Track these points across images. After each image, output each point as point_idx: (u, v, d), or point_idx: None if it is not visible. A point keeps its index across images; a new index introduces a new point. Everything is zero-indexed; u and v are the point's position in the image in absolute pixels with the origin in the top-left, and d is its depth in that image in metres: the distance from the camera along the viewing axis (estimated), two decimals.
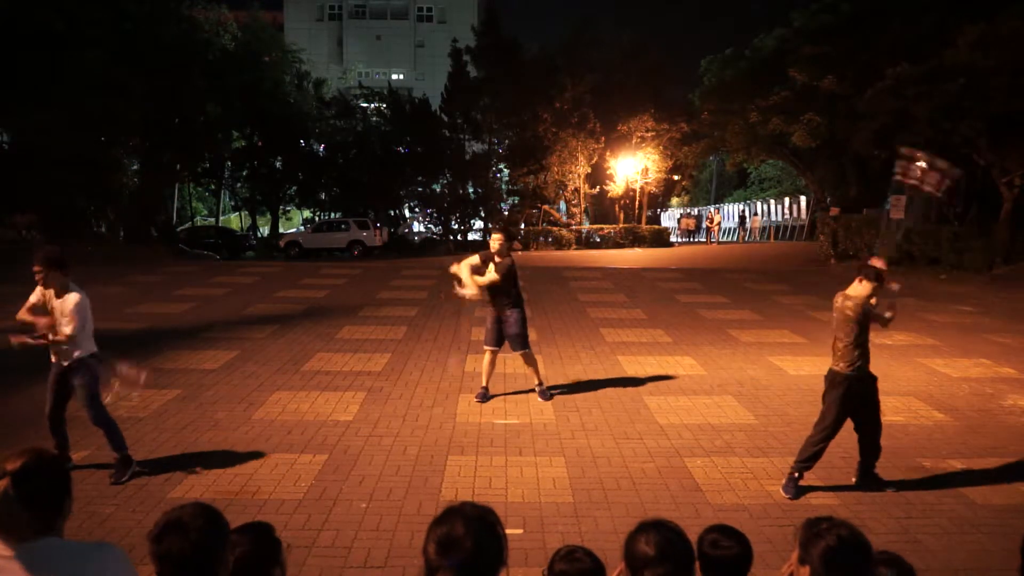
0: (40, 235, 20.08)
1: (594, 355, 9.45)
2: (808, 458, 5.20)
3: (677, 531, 2.02)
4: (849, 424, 5.26)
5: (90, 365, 5.35)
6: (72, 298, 5.17)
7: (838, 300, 5.19)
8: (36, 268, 5.19)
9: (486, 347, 7.30)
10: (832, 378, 5.20)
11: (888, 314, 5.29)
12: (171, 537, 1.82)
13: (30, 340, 5.18)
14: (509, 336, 7.20)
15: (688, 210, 46.86)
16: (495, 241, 7.12)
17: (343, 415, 6.88)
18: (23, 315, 5.30)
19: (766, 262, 23.60)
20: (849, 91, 23.35)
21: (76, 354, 5.27)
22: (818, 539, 1.99)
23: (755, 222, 41.33)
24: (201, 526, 1.86)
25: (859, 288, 5.11)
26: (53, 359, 5.36)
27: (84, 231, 24.84)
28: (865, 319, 5.07)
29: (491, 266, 7.08)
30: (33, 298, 5.32)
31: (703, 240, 35.92)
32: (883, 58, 20.60)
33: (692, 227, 36.53)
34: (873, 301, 5.10)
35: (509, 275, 7.05)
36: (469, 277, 7.03)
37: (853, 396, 5.13)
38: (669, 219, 50.59)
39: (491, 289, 7.08)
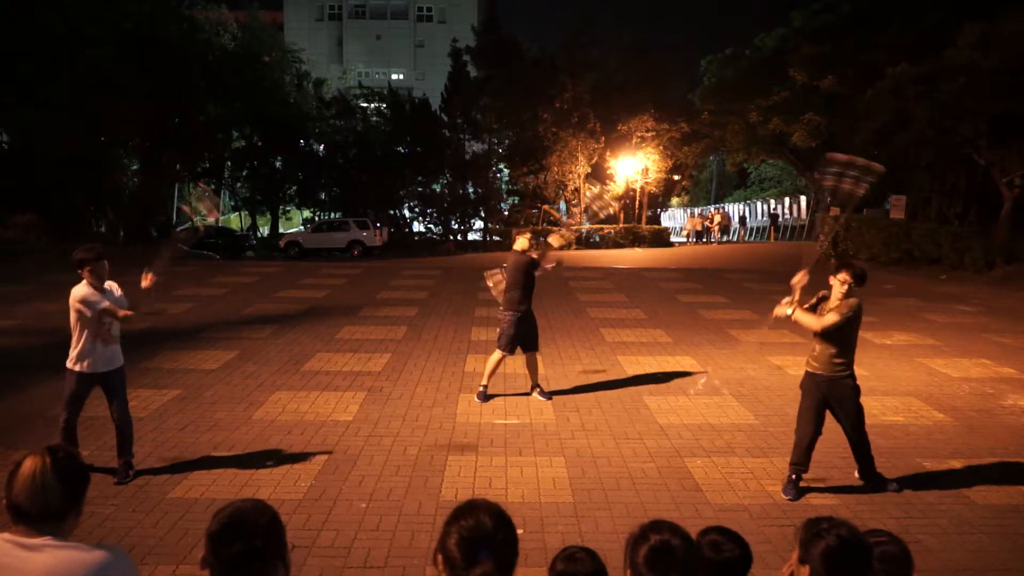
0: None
1: (594, 355, 9.45)
2: (799, 460, 5.21)
3: (682, 534, 1.97)
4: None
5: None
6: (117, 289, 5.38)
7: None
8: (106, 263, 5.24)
9: (503, 352, 7.23)
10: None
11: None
12: (236, 536, 1.75)
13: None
14: (533, 338, 7.30)
15: (699, 209, 46.38)
16: (524, 240, 7.39)
17: (343, 415, 6.88)
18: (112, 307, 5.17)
19: (766, 262, 23.59)
20: (849, 91, 23.33)
21: (120, 362, 5.38)
22: (818, 539, 1.98)
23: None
24: (267, 524, 1.79)
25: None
26: (84, 367, 5.16)
27: (84, 231, 24.83)
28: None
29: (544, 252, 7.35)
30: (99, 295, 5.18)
31: (703, 241, 35.83)
32: (883, 58, 20.58)
33: (700, 228, 36.18)
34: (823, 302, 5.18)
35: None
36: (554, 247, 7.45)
37: (806, 392, 5.23)
38: (669, 219, 50.46)
39: (527, 289, 7.24)
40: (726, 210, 42.32)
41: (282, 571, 2.07)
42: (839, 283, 5.01)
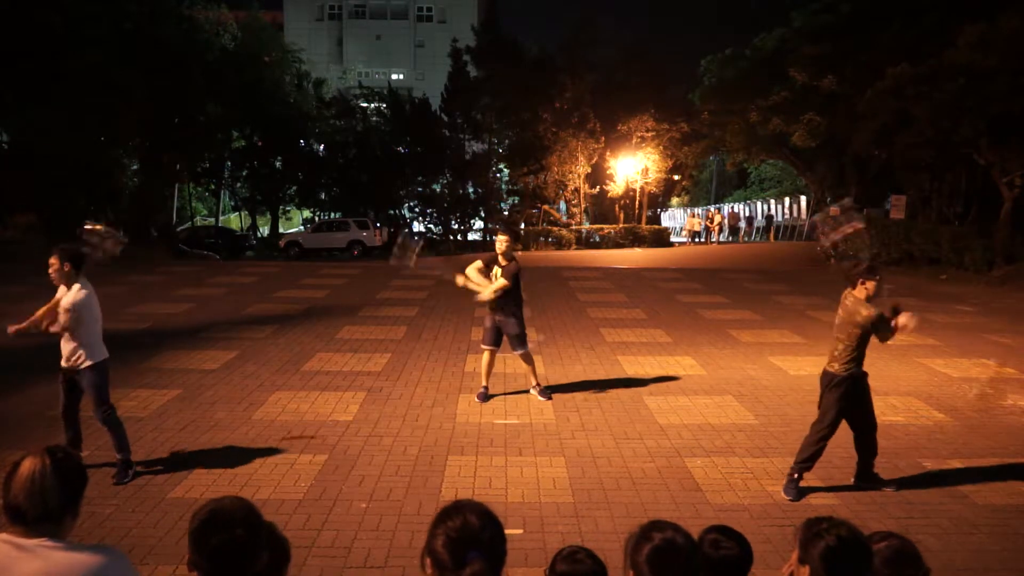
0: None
1: (594, 355, 9.45)
2: (807, 459, 5.19)
3: (684, 534, 1.96)
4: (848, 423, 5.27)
5: (97, 368, 5.26)
6: (72, 294, 5.07)
7: (848, 300, 5.13)
8: (51, 261, 5.11)
9: (484, 347, 7.33)
10: (829, 379, 5.17)
11: (894, 322, 5.02)
12: (217, 529, 1.77)
13: (24, 326, 5.15)
14: (509, 336, 7.23)
15: (700, 209, 46.13)
16: (501, 243, 7.13)
17: (343, 415, 6.88)
18: (37, 313, 5.29)
19: (766, 262, 23.59)
20: (849, 91, 23.32)
21: (84, 362, 5.18)
22: (818, 539, 1.98)
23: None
24: (246, 514, 1.81)
25: (862, 292, 5.07)
26: (62, 363, 5.25)
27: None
28: (870, 327, 5.00)
29: (497, 270, 7.09)
30: (57, 296, 5.26)
31: (702, 241, 35.81)
32: (883, 58, 20.57)
33: (700, 228, 35.96)
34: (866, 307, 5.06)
35: (516, 280, 7.08)
36: (478, 281, 7.09)
37: (850, 396, 5.12)
38: (669, 219, 50.41)
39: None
40: (735, 210, 42.24)
41: (285, 568, 2.08)
42: (874, 284, 5.03)
